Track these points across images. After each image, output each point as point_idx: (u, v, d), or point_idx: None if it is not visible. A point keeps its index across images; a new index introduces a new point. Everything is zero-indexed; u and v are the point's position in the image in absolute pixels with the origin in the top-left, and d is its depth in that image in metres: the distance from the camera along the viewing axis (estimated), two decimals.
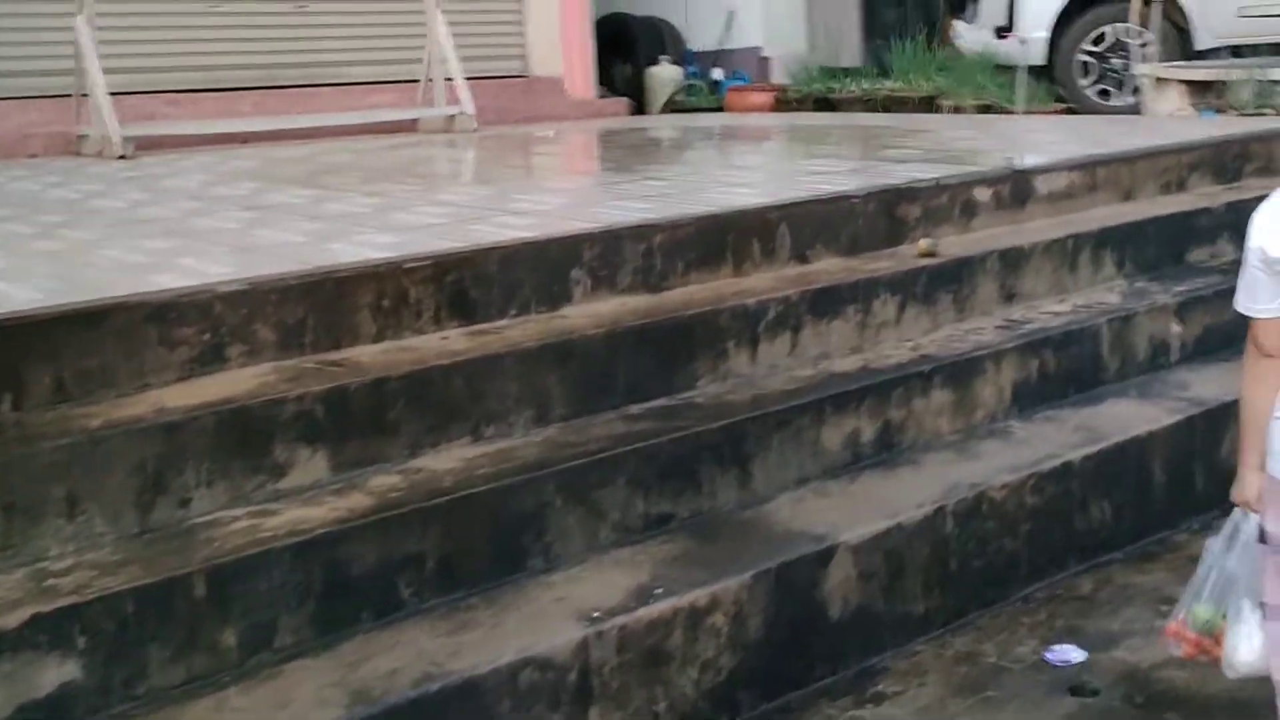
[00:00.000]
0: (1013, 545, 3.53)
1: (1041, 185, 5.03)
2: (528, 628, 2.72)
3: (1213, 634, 2.47)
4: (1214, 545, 2.50)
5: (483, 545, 2.93)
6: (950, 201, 4.73)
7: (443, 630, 2.71)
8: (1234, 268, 5.19)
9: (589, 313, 3.67)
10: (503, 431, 3.26)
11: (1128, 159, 5.41)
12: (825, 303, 3.95)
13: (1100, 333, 4.29)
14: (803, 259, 4.28)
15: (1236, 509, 2.44)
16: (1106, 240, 4.78)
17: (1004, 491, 3.51)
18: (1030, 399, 4.07)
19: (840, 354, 3.95)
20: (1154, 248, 4.94)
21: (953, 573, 3.39)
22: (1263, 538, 2.32)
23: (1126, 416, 4.02)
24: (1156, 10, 7.84)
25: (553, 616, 2.78)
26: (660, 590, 2.87)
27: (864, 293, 4.06)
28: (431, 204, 4.90)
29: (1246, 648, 2.43)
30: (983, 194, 4.83)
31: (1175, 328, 4.53)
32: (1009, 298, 4.46)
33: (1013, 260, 4.49)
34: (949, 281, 4.29)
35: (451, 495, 2.91)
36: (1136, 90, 8.39)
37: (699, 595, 2.88)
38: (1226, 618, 2.45)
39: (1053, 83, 9.26)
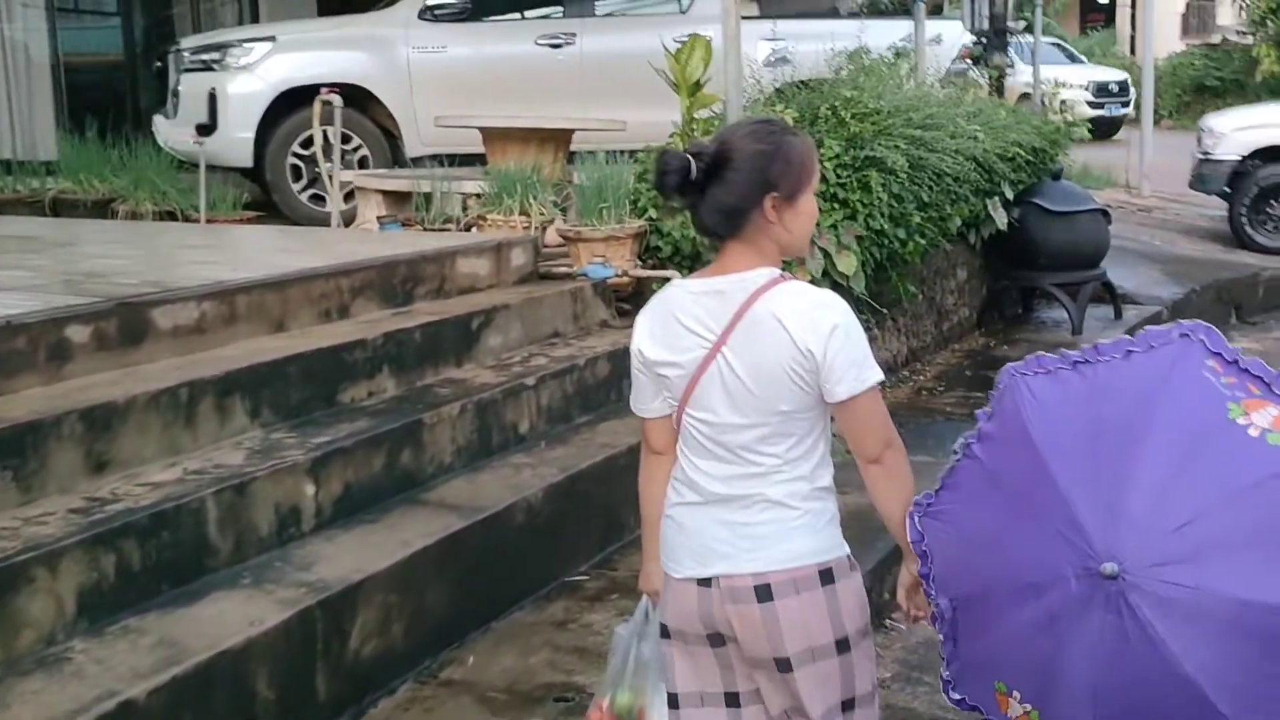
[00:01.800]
0: None
1: (163, 319, 4.20)
2: None
3: (634, 718, 2.53)
4: (624, 632, 2.60)
5: None
6: (31, 346, 3.76)
7: None
8: (392, 406, 4.76)
9: None
10: None
11: (279, 284, 4.73)
12: None
13: (206, 507, 3.51)
14: None
15: (645, 597, 2.56)
16: (236, 385, 4.04)
17: None
18: (106, 607, 3.19)
19: None
20: (299, 390, 4.27)
21: None
22: (663, 631, 2.45)
23: (225, 619, 3.25)
24: (338, 114, 7.38)
25: None
26: None
27: None
28: None
29: None
30: (79, 333, 3.91)
31: (310, 489, 3.87)
32: (100, 468, 3.57)
33: (104, 420, 3.60)
34: (7, 455, 3.32)
35: None
36: (349, 198, 7.94)
37: None
38: (646, 702, 2.52)
39: (265, 187, 8.64)
